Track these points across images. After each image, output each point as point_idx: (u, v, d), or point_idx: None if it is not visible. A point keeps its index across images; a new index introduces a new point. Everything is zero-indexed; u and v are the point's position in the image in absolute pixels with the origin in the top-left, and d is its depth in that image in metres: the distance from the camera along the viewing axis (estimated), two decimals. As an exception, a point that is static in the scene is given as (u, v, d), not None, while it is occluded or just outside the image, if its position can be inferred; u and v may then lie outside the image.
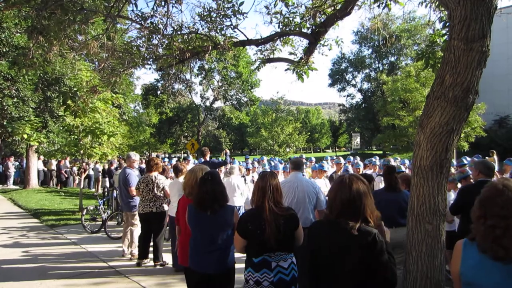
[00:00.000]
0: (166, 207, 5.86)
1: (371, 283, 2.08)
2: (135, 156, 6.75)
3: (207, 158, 7.88)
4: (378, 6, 5.43)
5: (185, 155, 44.86)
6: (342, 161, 8.89)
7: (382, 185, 6.81)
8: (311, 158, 11.65)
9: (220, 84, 41.32)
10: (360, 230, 2.06)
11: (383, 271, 2.08)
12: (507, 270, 1.68)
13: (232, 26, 5.57)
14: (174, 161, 13.25)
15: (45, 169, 19.61)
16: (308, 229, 2.41)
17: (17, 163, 22.25)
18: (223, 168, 8.58)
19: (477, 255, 1.77)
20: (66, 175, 19.32)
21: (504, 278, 1.69)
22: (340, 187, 2.20)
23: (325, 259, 2.19)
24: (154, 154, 45.92)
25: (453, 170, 6.70)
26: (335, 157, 11.06)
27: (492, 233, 1.71)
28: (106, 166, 15.27)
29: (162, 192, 5.80)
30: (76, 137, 10.68)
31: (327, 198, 2.39)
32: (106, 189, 12.24)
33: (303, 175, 5.02)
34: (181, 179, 6.20)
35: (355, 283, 2.08)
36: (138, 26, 5.16)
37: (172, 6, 5.01)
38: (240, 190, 6.84)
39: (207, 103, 44.26)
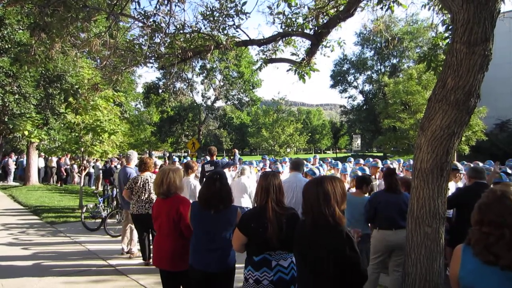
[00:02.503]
0: None
1: (343, 279, 2.16)
2: (135, 154, 6.75)
3: (214, 158, 7.88)
4: (381, 8, 5.43)
5: (185, 154, 44.93)
6: (380, 164, 8.27)
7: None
8: (330, 160, 10.77)
9: (221, 83, 41.37)
10: (331, 230, 2.17)
11: (354, 269, 2.15)
12: (505, 275, 1.68)
13: (234, 26, 5.56)
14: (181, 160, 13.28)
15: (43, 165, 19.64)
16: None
17: (21, 160, 22.19)
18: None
19: (474, 260, 1.78)
20: (66, 173, 19.34)
21: (502, 282, 1.69)
22: (307, 187, 2.38)
23: (304, 259, 2.32)
24: (157, 153, 46.00)
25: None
26: (369, 160, 10.18)
27: (486, 239, 1.72)
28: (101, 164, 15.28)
29: None
30: (77, 134, 10.67)
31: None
32: (106, 187, 12.24)
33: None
34: (192, 177, 6.17)
35: (332, 283, 2.16)
36: (140, 24, 5.17)
37: (175, 5, 5.02)
38: (249, 191, 6.81)
39: (209, 103, 44.35)
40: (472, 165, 7.68)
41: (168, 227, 3.40)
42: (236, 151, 8.34)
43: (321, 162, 10.18)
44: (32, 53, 4.81)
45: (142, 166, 5.79)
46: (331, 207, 2.20)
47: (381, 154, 40.23)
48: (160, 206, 3.51)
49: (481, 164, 8.22)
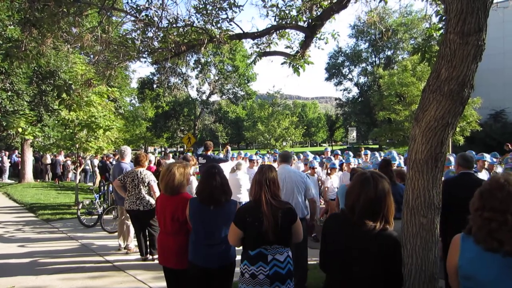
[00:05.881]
0: (153, 202, 5.62)
1: (382, 285, 2.04)
2: (128, 150, 6.73)
3: (209, 153, 7.89)
4: None
5: (181, 149, 44.82)
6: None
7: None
8: (366, 151, 10.46)
9: (216, 77, 41.19)
10: (381, 233, 2.01)
11: (396, 273, 2.05)
12: (506, 262, 1.68)
13: (228, 19, 5.52)
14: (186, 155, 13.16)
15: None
16: (323, 224, 2.37)
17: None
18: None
19: (475, 248, 1.77)
20: (61, 169, 19.23)
21: (502, 270, 1.69)
22: (364, 186, 2.09)
23: (338, 257, 2.13)
24: (152, 149, 45.81)
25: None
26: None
27: (488, 225, 1.71)
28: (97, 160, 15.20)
29: (147, 187, 5.66)
30: (71, 131, 10.61)
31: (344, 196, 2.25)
32: (102, 183, 12.20)
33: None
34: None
35: (367, 285, 2.04)
36: (132, 18, 5.11)
37: (167, -1, 4.96)
38: (246, 186, 6.82)
39: (204, 97, 44.18)
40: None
41: (173, 225, 3.34)
42: (229, 147, 8.36)
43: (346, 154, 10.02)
44: (23, 49, 4.74)
45: (136, 161, 5.80)
46: (389, 210, 2.08)
47: (377, 146, 40.39)
48: (164, 203, 3.42)
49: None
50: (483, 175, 6.39)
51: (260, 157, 10.79)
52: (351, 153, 10.02)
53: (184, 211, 3.28)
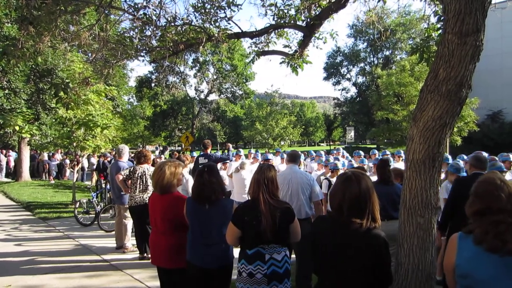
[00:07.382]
0: None
1: (373, 283, 2.07)
2: (126, 149, 6.72)
3: (208, 151, 7.86)
4: (373, -1, 5.41)
5: (179, 148, 44.76)
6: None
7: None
8: (400, 151, 9.08)
9: (214, 76, 41.15)
10: (370, 232, 2.04)
11: (385, 272, 2.09)
12: (503, 262, 1.69)
13: (226, 18, 5.51)
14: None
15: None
16: (312, 225, 2.38)
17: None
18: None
19: (473, 248, 1.78)
20: (58, 168, 19.18)
21: (500, 270, 1.70)
22: (347, 185, 2.10)
23: (331, 259, 2.13)
24: (153, 147, 45.74)
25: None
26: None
27: (496, 228, 1.71)
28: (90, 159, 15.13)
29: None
30: (69, 129, 10.57)
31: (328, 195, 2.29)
32: (99, 182, 12.17)
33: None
34: (184, 171, 6.13)
35: (360, 284, 2.05)
36: (130, 17, 5.09)
37: (165, -3, 4.95)
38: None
39: (202, 96, 44.12)
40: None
41: (163, 225, 3.34)
42: (230, 146, 8.36)
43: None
44: (20, 47, 4.72)
45: (142, 158, 5.81)
46: (375, 207, 2.11)
47: (374, 146, 40.46)
48: (155, 202, 3.42)
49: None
50: (508, 176, 6.08)
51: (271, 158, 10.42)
52: (361, 152, 9.85)
53: (174, 210, 3.28)
